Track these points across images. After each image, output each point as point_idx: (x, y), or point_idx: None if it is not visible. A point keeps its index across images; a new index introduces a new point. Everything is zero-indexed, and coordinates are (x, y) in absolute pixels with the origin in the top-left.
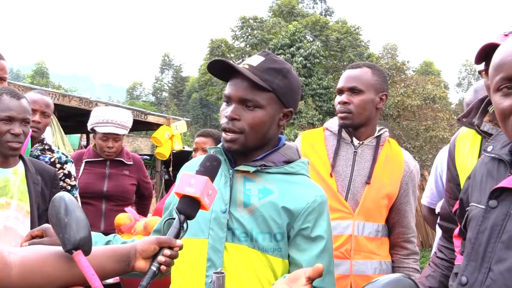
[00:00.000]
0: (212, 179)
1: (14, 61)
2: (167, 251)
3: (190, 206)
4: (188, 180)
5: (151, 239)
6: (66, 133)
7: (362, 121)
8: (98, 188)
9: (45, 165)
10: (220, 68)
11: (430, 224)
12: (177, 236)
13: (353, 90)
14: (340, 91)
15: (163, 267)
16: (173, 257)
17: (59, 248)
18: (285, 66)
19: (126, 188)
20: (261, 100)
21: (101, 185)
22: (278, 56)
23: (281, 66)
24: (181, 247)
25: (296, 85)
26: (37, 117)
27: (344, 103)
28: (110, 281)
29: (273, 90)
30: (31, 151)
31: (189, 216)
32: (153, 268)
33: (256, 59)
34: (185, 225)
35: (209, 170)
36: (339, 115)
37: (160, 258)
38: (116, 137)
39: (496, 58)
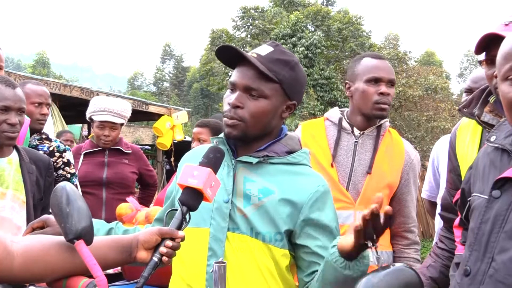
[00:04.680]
0: (215, 170)
1: (15, 51)
2: (169, 242)
3: (192, 198)
4: (191, 171)
5: (153, 230)
6: (67, 123)
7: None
8: (97, 176)
9: (39, 153)
10: (228, 54)
11: (432, 216)
12: (179, 227)
13: (392, 83)
14: (378, 81)
15: (164, 258)
16: (175, 248)
17: (61, 238)
18: (293, 59)
19: (125, 175)
20: (266, 90)
21: (101, 173)
22: (287, 49)
23: (289, 58)
24: (183, 239)
25: (302, 79)
26: (45, 110)
27: (388, 94)
28: (111, 271)
29: (280, 81)
30: (29, 140)
31: (192, 207)
32: (155, 259)
33: (265, 49)
34: (187, 216)
35: (213, 161)
36: (381, 106)
37: (162, 249)
38: (113, 126)
39: (506, 46)
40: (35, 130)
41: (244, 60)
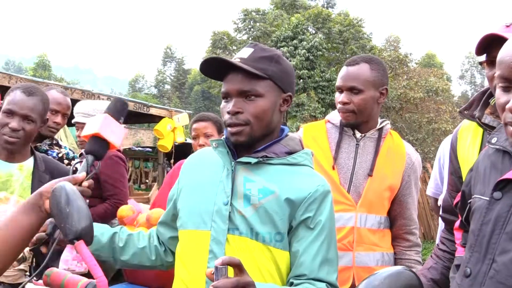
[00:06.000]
0: (116, 117)
1: (16, 53)
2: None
3: (96, 145)
4: (92, 122)
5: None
6: (68, 125)
7: (364, 119)
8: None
9: (60, 165)
10: (213, 67)
11: (438, 214)
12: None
13: (352, 90)
14: (339, 89)
15: None
16: (85, 193)
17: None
18: (275, 53)
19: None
20: (260, 89)
21: None
22: (266, 46)
23: (271, 53)
24: (83, 180)
25: (290, 69)
26: (59, 119)
27: (344, 103)
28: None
29: (269, 77)
30: (40, 145)
31: (97, 155)
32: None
33: (245, 52)
34: (96, 166)
35: (112, 109)
36: (341, 114)
37: None
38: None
39: (499, 53)
40: (45, 136)
41: (231, 68)
